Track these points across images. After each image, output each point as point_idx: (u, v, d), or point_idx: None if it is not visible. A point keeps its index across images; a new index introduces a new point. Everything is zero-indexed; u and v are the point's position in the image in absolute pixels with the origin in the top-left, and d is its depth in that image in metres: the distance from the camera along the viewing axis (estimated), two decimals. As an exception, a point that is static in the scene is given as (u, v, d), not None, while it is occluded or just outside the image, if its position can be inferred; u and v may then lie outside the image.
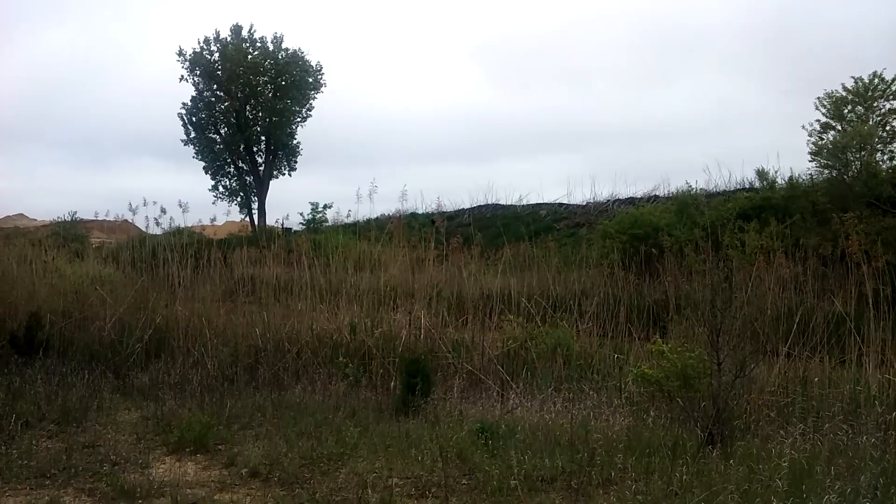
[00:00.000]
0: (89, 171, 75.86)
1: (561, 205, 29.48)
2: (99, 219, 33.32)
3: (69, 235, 26.58)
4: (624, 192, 28.33)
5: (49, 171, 77.27)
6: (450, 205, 31.29)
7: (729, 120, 63.73)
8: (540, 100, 73.23)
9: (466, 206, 31.37)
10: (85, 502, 6.31)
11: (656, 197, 26.14)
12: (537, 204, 30.20)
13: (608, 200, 28.11)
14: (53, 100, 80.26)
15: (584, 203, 28.84)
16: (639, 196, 27.23)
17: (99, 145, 72.66)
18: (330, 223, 29.44)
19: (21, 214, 47.45)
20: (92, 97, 76.30)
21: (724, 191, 24.40)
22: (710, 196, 22.85)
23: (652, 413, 8.64)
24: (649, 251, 17.87)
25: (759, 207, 18.48)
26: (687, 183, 23.93)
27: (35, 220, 43.38)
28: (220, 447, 8.06)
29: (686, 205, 20.64)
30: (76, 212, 34.42)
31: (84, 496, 6.47)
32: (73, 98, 79.13)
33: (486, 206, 31.26)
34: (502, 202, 31.34)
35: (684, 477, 6.02)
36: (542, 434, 7.70)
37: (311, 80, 35.66)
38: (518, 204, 30.69)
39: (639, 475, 6.18)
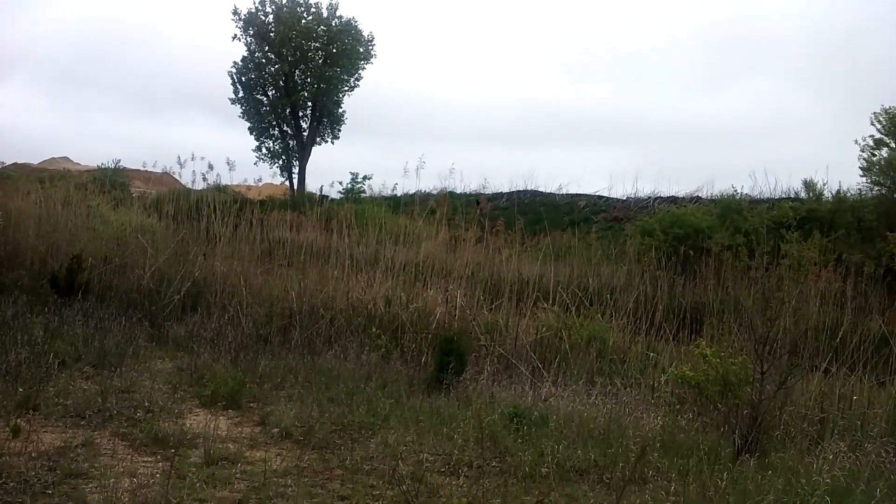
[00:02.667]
0: (137, 121, 76.68)
1: (601, 197, 29.16)
2: (141, 169, 33.80)
3: (111, 182, 26.85)
4: (666, 190, 27.93)
5: (97, 117, 78.35)
6: (490, 187, 31.16)
7: (780, 128, 62.48)
8: (592, 91, 72.60)
9: (505, 189, 31.18)
10: (119, 446, 6.38)
11: (699, 198, 25.72)
12: (576, 194, 29.91)
13: (649, 197, 27.74)
14: (109, 46, 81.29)
15: (625, 198, 28.51)
16: (681, 195, 26.82)
17: (149, 96, 73.37)
18: (368, 195, 29.44)
19: (66, 157, 48.10)
20: (148, 47, 77.13)
21: (769, 198, 23.93)
22: (755, 202, 22.44)
23: (686, 415, 8.54)
24: (689, 252, 17.64)
25: (804, 218, 18.11)
26: (732, 187, 23.47)
27: (79, 164, 43.95)
28: (252, 405, 8.13)
29: (730, 209, 20.30)
30: (120, 160, 34.83)
31: (118, 440, 6.55)
32: (129, 46, 79.98)
33: (525, 191, 31.02)
34: (542, 189, 31.10)
35: (720, 482, 5.94)
36: (576, 425, 7.64)
37: (361, 50, 35.52)
38: (557, 192, 30.42)
39: (673, 476, 6.11)
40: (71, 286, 12.67)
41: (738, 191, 23.20)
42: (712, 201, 23.40)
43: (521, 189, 31.24)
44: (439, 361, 9.63)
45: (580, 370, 10.39)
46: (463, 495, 5.49)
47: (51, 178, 24.26)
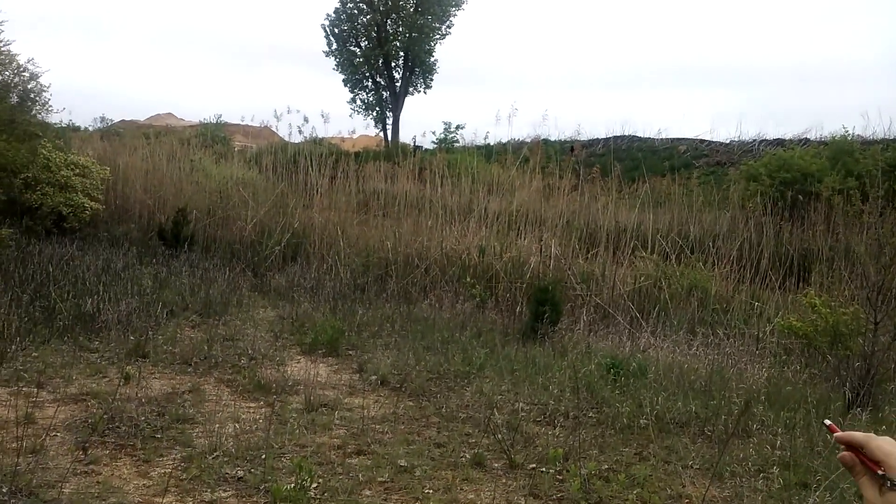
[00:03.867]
0: (237, 76, 78.77)
1: (702, 141, 28.06)
2: (242, 123, 34.62)
3: (213, 137, 27.62)
4: (772, 132, 26.61)
5: (199, 73, 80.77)
6: (585, 134, 30.45)
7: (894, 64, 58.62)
8: (692, 31, 69.58)
9: (602, 136, 30.40)
10: (224, 392, 6.60)
11: (807, 140, 24.41)
12: (677, 139, 28.88)
13: (754, 140, 26.50)
14: (208, 4, 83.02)
15: (728, 141, 27.33)
16: (788, 138, 25.52)
17: (247, 51, 75.08)
18: (461, 144, 29.30)
19: (170, 114, 49.77)
20: (243, 2, 78.49)
21: (883, 139, 22.46)
22: (867, 144, 21.08)
23: (793, 367, 8.21)
24: (797, 197, 16.80)
25: (921, 159, 16.91)
26: (843, 127, 22.10)
27: (182, 119, 45.40)
28: (350, 353, 8.29)
29: (841, 151, 19.16)
30: (221, 115, 35.78)
31: (223, 386, 6.78)
32: (225, 3, 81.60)
33: (623, 137, 30.16)
34: (640, 135, 30.18)
35: (829, 437, 5.67)
36: (675, 376, 7.45)
37: (453, -4, 35.10)
38: (656, 137, 29.45)
39: (779, 430, 5.88)
40: (177, 238, 13.18)
41: (850, 132, 21.87)
42: (822, 143, 22.17)
43: (617, 135, 30.41)
44: (534, 311, 9.55)
45: (680, 320, 10.11)
46: (559, 445, 5.45)
47: (156, 134, 25.13)
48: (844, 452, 1.07)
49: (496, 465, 5.23)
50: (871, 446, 1.04)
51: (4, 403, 5.31)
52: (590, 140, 30.06)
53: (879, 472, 1.01)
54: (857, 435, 1.07)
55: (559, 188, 16.10)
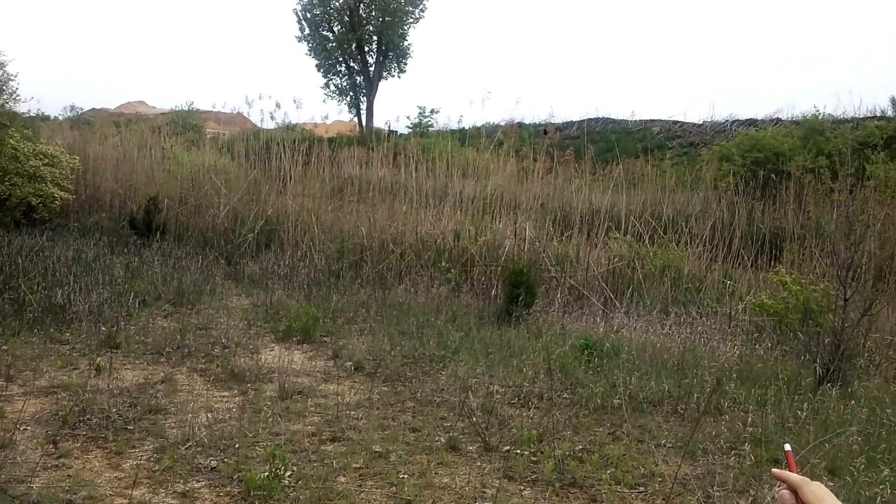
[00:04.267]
0: (208, 62, 77.96)
1: (675, 122, 28.18)
2: (214, 110, 34.31)
3: (186, 125, 27.32)
4: (744, 113, 26.80)
5: (170, 60, 79.80)
6: (559, 117, 30.47)
7: (869, 45, 59.13)
8: (663, 12, 69.72)
9: (576, 118, 30.44)
10: (197, 381, 6.55)
11: (779, 120, 24.59)
12: (650, 120, 28.98)
13: (726, 121, 26.66)
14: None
15: (701, 122, 27.46)
16: (760, 118, 25.70)
17: (219, 37, 74.16)
18: (436, 128, 29.21)
19: (141, 101, 49.14)
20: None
21: (853, 118, 22.72)
22: (837, 122, 21.33)
23: (764, 344, 8.30)
24: (769, 176, 16.95)
25: (891, 137, 17.08)
26: (814, 107, 22.35)
27: (154, 107, 44.85)
28: (325, 339, 8.27)
29: (812, 130, 19.32)
30: (193, 102, 35.42)
31: (196, 375, 6.73)
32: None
33: (597, 119, 30.22)
34: (613, 117, 30.25)
35: (800, 412, 5.76)
36: (649, 356, 7.51)
37: (425, -21, 34.87)
38: (630, 119, 29.52)
39: (751, 407, 5.95)
40: (149, 227, 13.04)
41: (821, 111, 22.07)
42: (794, 123, 22.36)
43: (591, 117, 30.46)
44: (509, 294, 9.58)
45: (654, 300, 10.19)
46: (533, 427, 5.47)
47: (127, 122, 24.85)
48: (783, 490, 1.14)
49: (471, 448, 5.24)
50: (805, 491, 1.11)
51: (-28, 398, 5.24)
52: (564, 123, 30.09)
53: None
54: (794, 477, 1.14)
55: (533, 171, 16.12)
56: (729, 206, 15.05)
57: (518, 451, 5.13)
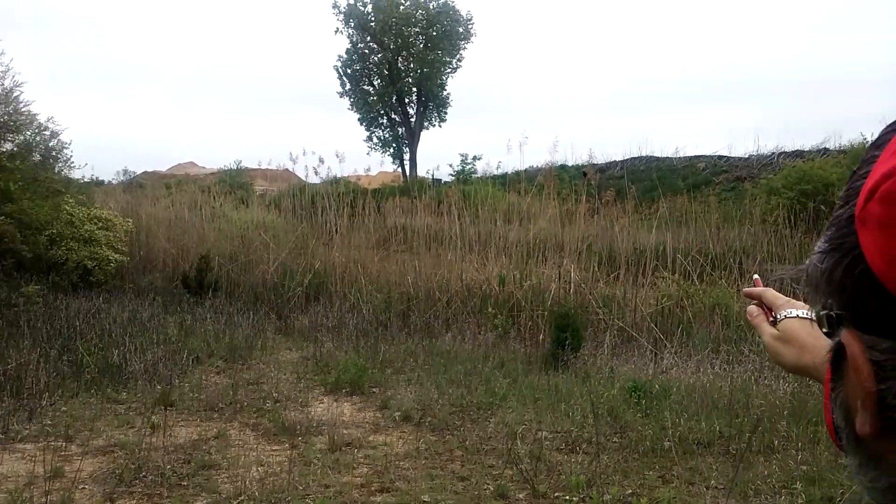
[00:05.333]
0: (255, 121, 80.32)
1: (720, 157, 27.98)
2: (262, 167, 35.15)
3: (234, 183, 28.04)
4: (790, 144, 26.48)
5: (218, 121, 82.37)
6: (601, 157, 30.49)
7: (913, 67, 58.22)
8: (704, 47, 69.66)
9: (619, 158, 30.40)
10: (249, 436, 6.66)
11: (826, 150, 24.26)
12: (695, 156, 28.80)
13: (772, 153, 26.38)
14: (221, 54, 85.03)
15: (747, 156, 27.22)
16: (807, 149, 25.38)
17: (264, 97, 76.49)
18: (479, 174, 29.49)
19: (191, 163, 50.49)
20: (257, 51, 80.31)
21: (903, 145, 22.24)
22: (888, 150, 20.92)
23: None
24: (818, 208, 16.69)
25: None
26: (861, 135, 21.97)
27: (204, 167, 46.08)
28: (374, 390, 8.33)
29: (860, 158, 19.01)
30: (241, 160, 36.38)
31: (248, 430, 6.84)
32: (240, 52, 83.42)
33: (640, 158, 30.16)
34: (657, 154, 30.15)
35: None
36: (699, 396, 7.40)
37: (461, 29, 35.59)
38: (674, 156, 29.40)
39: (804, 444, 5.82)
40: (201, 285, 13.38)
41: (868, 138, 21.71)
42: (841, 152, 22.06)
43: (634, 156, 30.43)
44: (555, 338, 9.56)
45: (704, 339, 10.05)
46: (582, 472, 5.44)
47: (177, 183, 25.55)
48: (751, 305, 1.23)
49: (520, 495, 5.23)
50: (767, 296, 1.20)
51: (34, 459, 5.41)
52: (607, 163, 30.09)
53: (772, 316, 1.18)
54: (756, 289, 1.24)
55: (576, 213, 16.14)
56: (779, 240, 14.83)
57: (567, 498, 5.10)
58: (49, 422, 6.52)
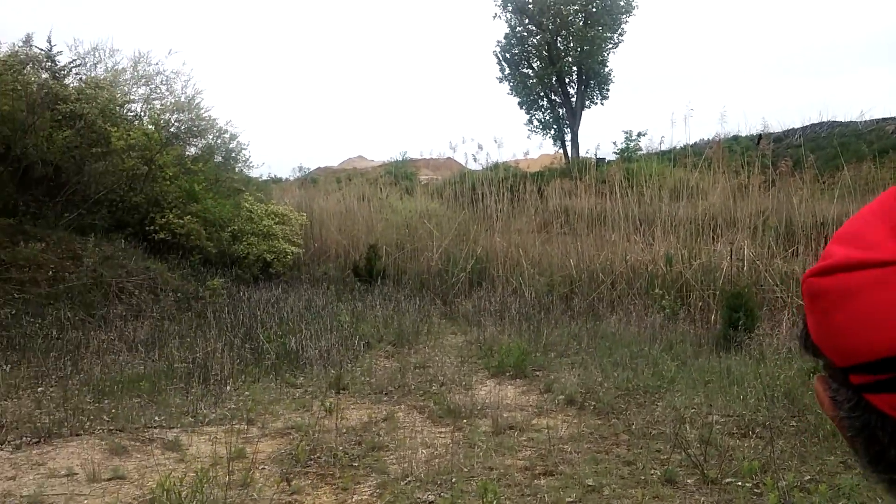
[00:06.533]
0: (419, 112, 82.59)
1: (913, 117, 25.55)
2: (425, 157, 35.98)
3: (399, 174, 28.87)
4: None
5: (385, 115, 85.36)
6: (777, 126, 28.69)
7: None
8: (886, -1, 63.81)
9: (797, 125, 28.49)
10: (416, 418, 6.85)
11: None
12: (883, 119, 26.46)
13: (975, 109, 23.82)
14: (387, 48, 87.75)
15: (945, 113, 24.71)
16: None
17: (427, 87, 78.21)
18: (644, 151, 28.60)
19: (360, 156, 52.56)
20: (419, 40, 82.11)
21: None
22: None
23: None
24: None
25: None
26: None
27: (372, 160, 47.82)
28: (537, 373, 8.33)
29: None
30: (406, 151, 37.45)
31: (416, 412, 7.04)
32: (403, 43, 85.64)
33: (821, 124, 28.09)
34: (839, 119, 27.97)
35: None
36: (889, 376, 6.83)
37: (622, 3, 34.56)
38: (859, 120, 27.13)
39: None
40: (370, 273, 13.91)
41: None
42: None
43: (815, 122, 28.42)
44: (727, 318, 9.14)
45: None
46: (755, 457, 5.18)
47: (347, 177, 26.67)
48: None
49: (688, 481, 5.05)
50: None
51: (219, 441, 5.84)
52: (784, 131, 28.29)
53: None
54: None
55: (749, 186, 15.29)
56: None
57: (739, 484, 4.87)
58: (233, 406, 7.02)
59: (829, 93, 74.21)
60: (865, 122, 26.90)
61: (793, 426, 5.98)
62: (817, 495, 4.50)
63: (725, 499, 4.69)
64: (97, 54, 13.80)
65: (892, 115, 26.44)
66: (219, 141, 14.42)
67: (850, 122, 27.50)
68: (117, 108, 13.18)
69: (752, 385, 6.93)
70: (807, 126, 28.23)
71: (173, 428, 6.35)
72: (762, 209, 14.08)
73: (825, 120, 28.35)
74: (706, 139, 26.62)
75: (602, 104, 36.23)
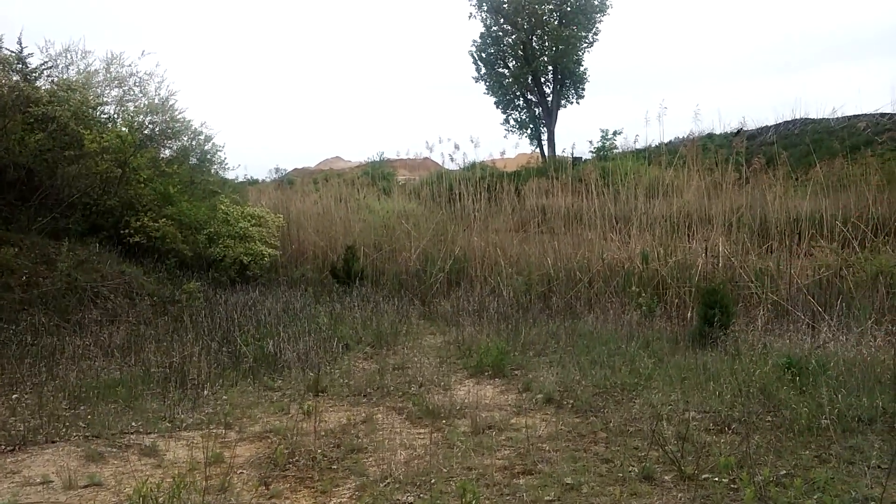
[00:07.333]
0: (395, 113, 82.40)
1: (883, 115, 25.85)
2: (402, 157, 35.95)
3: (377, 174, 28.81)
4: (963, 96, 24.12)
5: (361, 115, 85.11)
6: (751, 123, 28.98)
7: None
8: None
9: (770, 123, 28.80)
10: (395, 420, 6.84)
11: None
12: (854, 116, 26.80)
13: (944, 107, 24.19)
14: (362, 49, 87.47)
15: (915, 111, 25.07)
16: None
17: (403, 87, 78.03)
18: (619, 150, 28.78)
19: (338, 157, 52.44)
20: (394, 41, 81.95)
21: None
22: None
23: None
24: None
25: None
26: None
27: (349, 161, 47.73)
28: (516, 372, 8.36)
29: None
30: (383, 152, 37.42)
31: (395, 414, 7.03)
32: (377, 45, 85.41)
33: (793, 121, 28.40)
34: (812, 116, 28.29)
35: None
36: (860, 371, 6.93)
37: (596, 2, 34.72)
38: (831, 117, 27.47)
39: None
40: (349, 274, 13.86)
41: None
42: None
43: (788, 120, 28.72)
44: (703, 315, 9.22)
45: (866, 310, 9.38)
46: (731, 453, 5.24)
47: (324, 178, 26.60)
48: None
49: (666, 477, 5.09)
50: None
51: (197, 446, 5.81)
52: (758, 129, 28.61)
53: None
54: None
55: (723, 184, 15.42)
56: (952, 199, 13.58)
57: (716, 479, 4.92)
58: (210, 410, 6.97)
59: (800, 90, 74.95)
60: (837, 119, 27.25)
61: (768, 421, 6.05)
62: (793, 489, 4.56)
63: (702, 494, 4.73)
64: (69, 56, 13.62)
65: (864, 111, 26.83)
66: (193, 143, 14.31)
67: (823, 119, 27.83)
68: (90, 110, 13.04)
69: (728, 381, 6.99)
70: (780, 123, 28.55)
71: (150, 433, 6.30)
72: (736, 206, 14.21)
73: (798, 117, 28.66)
74: (681, 137, 26.89)
75: (578, 103, 36.40)
